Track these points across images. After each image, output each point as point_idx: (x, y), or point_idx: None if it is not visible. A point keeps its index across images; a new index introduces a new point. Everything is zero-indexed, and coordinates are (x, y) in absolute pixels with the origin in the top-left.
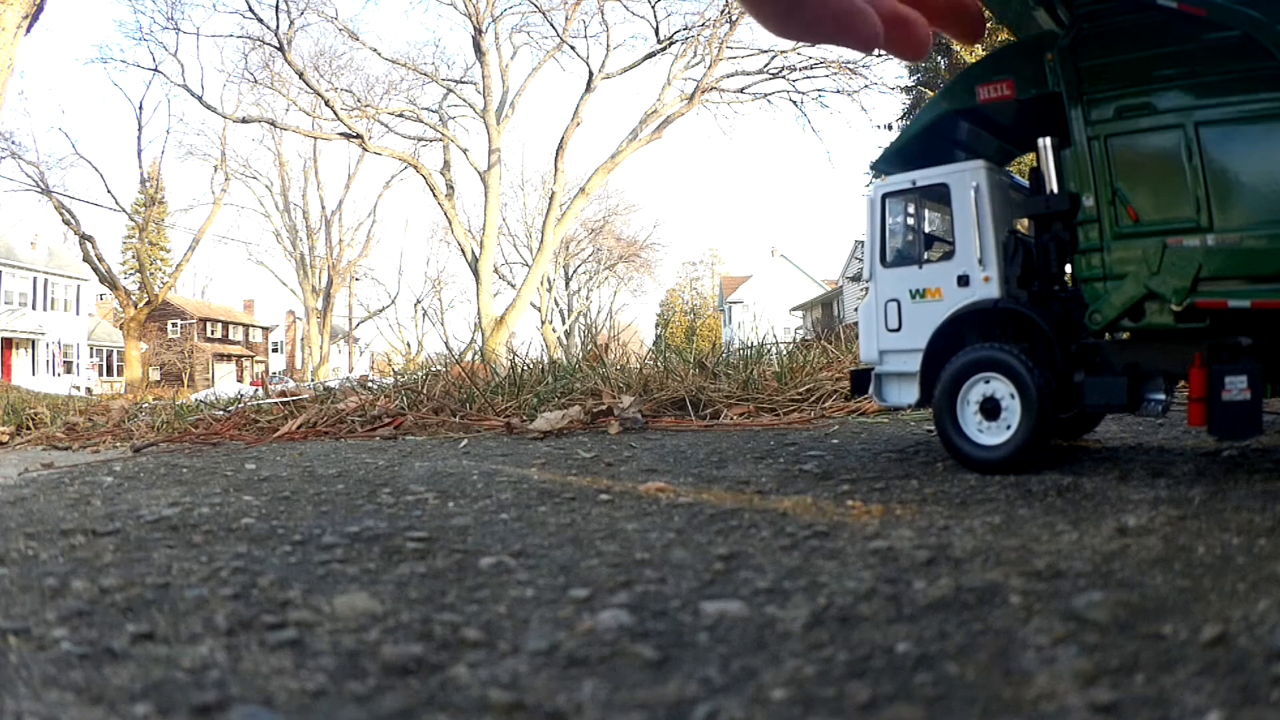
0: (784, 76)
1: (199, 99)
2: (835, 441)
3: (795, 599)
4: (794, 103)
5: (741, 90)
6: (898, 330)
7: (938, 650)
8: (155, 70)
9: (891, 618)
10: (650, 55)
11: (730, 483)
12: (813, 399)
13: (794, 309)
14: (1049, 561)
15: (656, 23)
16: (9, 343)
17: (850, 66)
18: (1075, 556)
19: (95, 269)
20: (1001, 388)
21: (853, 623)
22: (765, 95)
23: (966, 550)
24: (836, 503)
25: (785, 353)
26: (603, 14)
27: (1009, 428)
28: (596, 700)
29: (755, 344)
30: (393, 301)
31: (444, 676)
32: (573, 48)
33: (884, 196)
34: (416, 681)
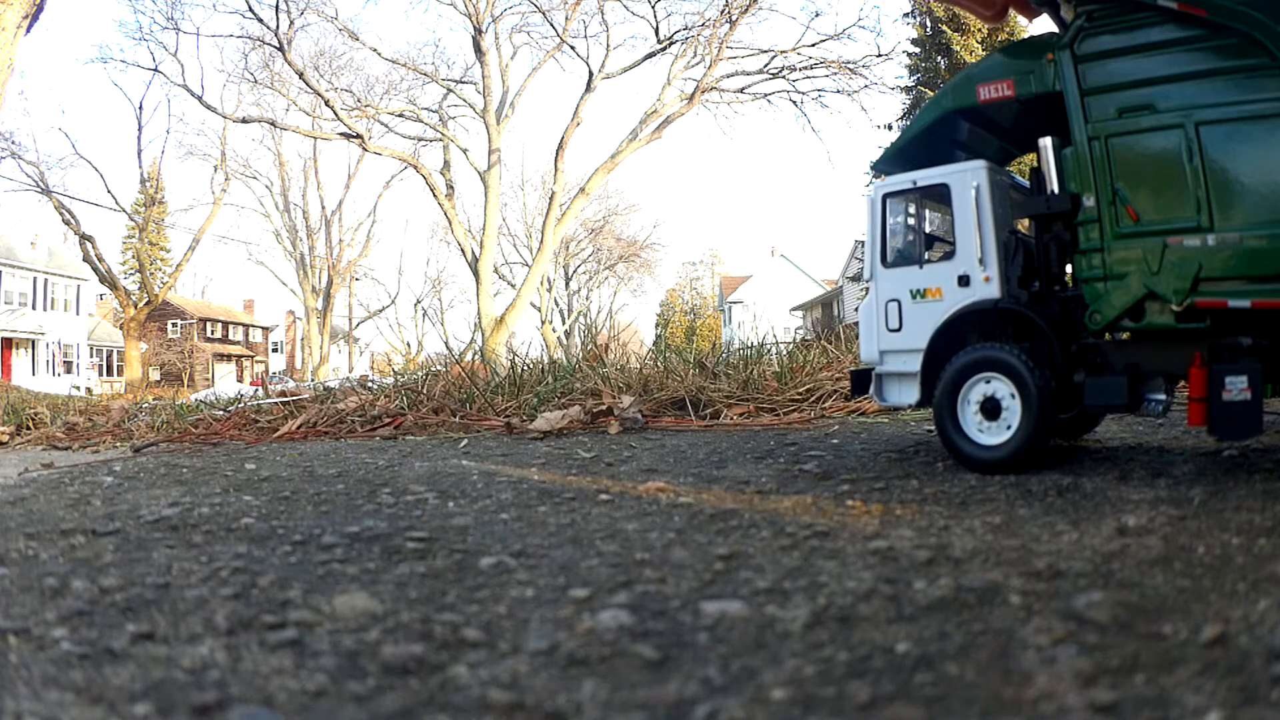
0: (784, 76)
1: (199, 99)
2: (835, 441)
3: (795, 599)
4: (794, 103)
5: (741, 90)
6: (898, 330)
7: (938, 650)
8: (155, 70)
9: (891, 618)
10: (650, 55)
11: (730, 483)
12: (813, 399)
13: (794, 309)
14: (1049, 561)
15: (656, 23)
16: (9, 343)
17: (850, 66)
18: (1075, 556)
19: (95, 269)
20: (1002, 388)
21: (853, 623)
22: (765, 95)
23: (966, 550)
24: (836, 503)
25: (785, 353)
26: (603, 14)
27: (1009, 427)
28: (596, 700)
29: (755, 344)
30: (393, 301)
31: (444, 676)
32: (573, 48)
33: (885, 196)
34: (416, 681)
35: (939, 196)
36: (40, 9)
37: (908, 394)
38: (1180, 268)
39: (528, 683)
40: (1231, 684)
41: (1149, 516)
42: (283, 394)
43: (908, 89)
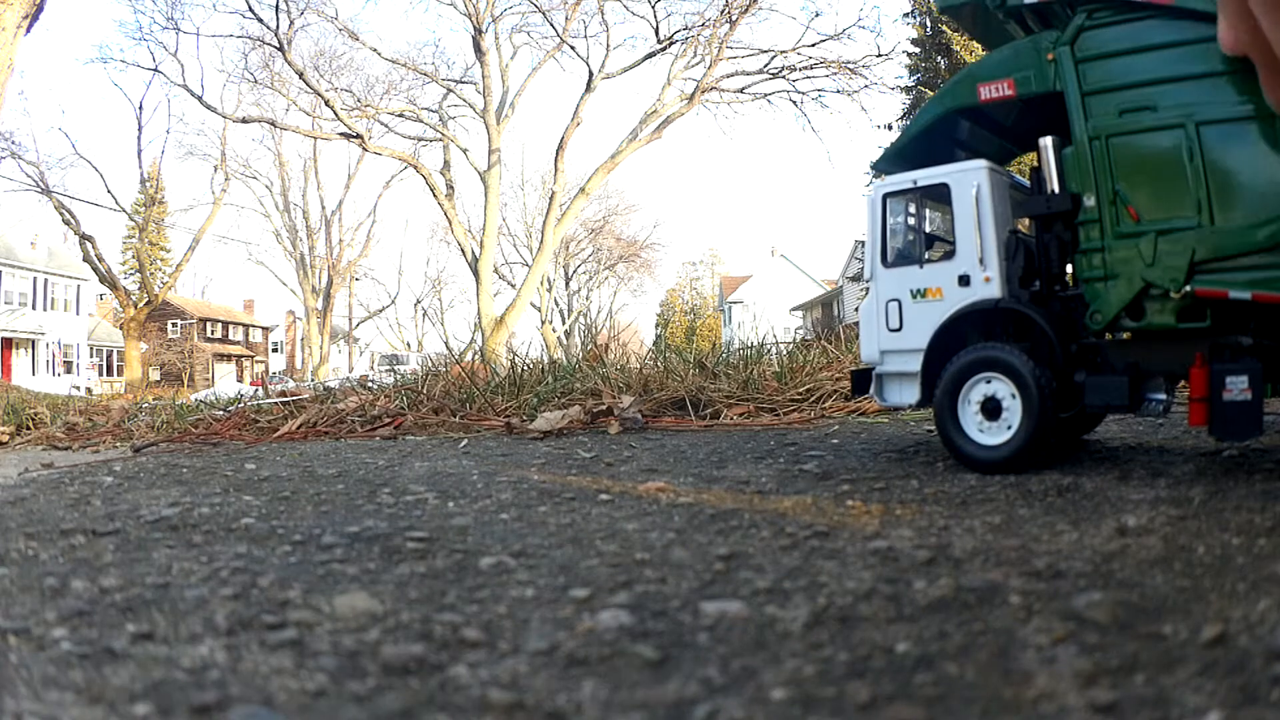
0: (784, 76)
1: (199, 99)
2: (835, 441)
3: (795, 599)
4: (794, 103)
5: (741, 90)
6: (899, 330)
7: (938, 650)
8: (155, 70)
9: (891, 618)
10: (650, 55)
11: (730, 483)
12: (813, 399)
13: (794, 309)
14: (1049, 561)
15: (656, 23)
16: (9, 343)
17: (850, 66)
18: (1075, 556)
19: (95, 269)
20: (1003, 387)
21: (853, 623)
22: (765, 95)
23: (966, 550)
24: (836, 503)
25: (785, 353)
26: (603, 14)
27: (1010, 427)
28: (596, 700)
29: (755, 344)
30: (393, 301)
31: (444, 676)
32: (573, 48)
33: (885, 196)
34: (416, 681)
35: (939, 196)
36: (40, 9)
37: (908, 394)
38: (1174, 254)
39: (528, 683)
40: (1231, 684)
41: (1149, 516)
42: (283, 394)
43: (908, 89)
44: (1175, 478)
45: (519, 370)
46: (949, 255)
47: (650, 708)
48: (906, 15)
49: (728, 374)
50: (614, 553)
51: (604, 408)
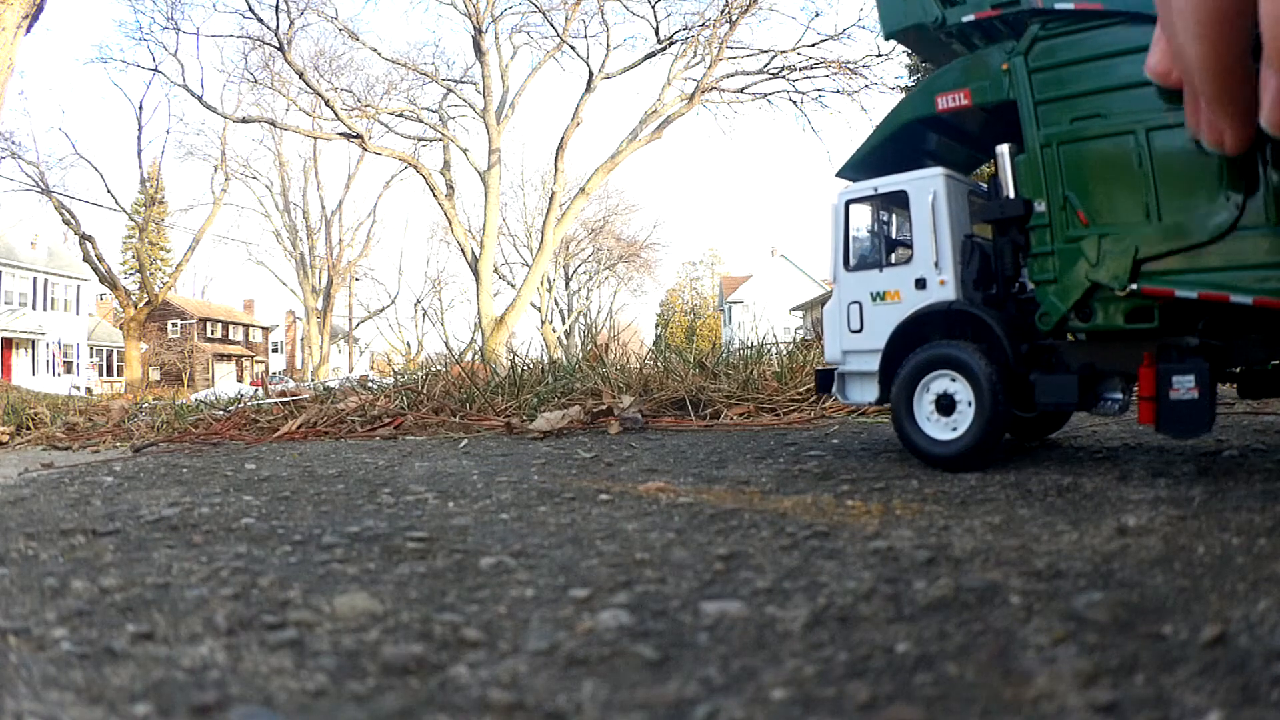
0: (784, 76)
1: (199, 99)
2: (835, 441)
3: (795, 599)
4: (794, 103)
5: (741, 90)
6: (859, 331)
7: (938, 650)
8: (155, 70)
9: (891, 618)
10: (650, 55)
11: (730, 483)
12: (813, 399)
13: (794, 309)
14: (1049, 561)
15: (656, 23)
16: (9, 343)
17: (850, 66)
18: (1075, 556)
19: (95, 269)
20: (956, 385)
21: (853, 623)
22: (765, 95)
23: (966, 550)
24: (836, 503)
25: (785, 353)
26: (603, 14)
27: (963, 424)
28: (596, 700)
29: (755, 344)
30: (393, 301)
31: (444, 676)
32: (573, 48)
33: (847, 203)
34: (416, 681)
35: (899, 202)
36: (40, 9)
37: (868, 392)
38: (1118, 254)
39: (528, 683)
40: (1231, 684)
41: (1149, 516)
42: (283, 394)
43: (907, 89)
44: (1175, 478)
45: (519, 370)
46: (907, 260)
47: (650, 708)
48: None
49: (728, 374)
50: (614, 553)
51: (604, 408)
